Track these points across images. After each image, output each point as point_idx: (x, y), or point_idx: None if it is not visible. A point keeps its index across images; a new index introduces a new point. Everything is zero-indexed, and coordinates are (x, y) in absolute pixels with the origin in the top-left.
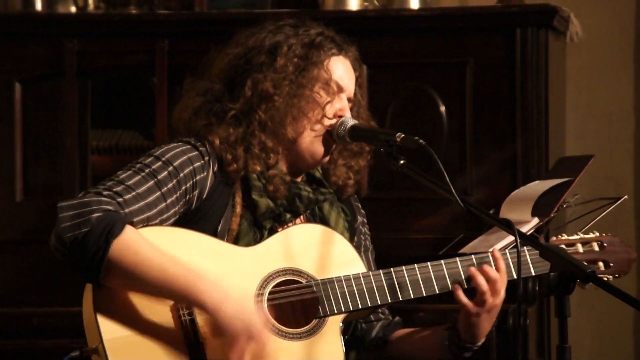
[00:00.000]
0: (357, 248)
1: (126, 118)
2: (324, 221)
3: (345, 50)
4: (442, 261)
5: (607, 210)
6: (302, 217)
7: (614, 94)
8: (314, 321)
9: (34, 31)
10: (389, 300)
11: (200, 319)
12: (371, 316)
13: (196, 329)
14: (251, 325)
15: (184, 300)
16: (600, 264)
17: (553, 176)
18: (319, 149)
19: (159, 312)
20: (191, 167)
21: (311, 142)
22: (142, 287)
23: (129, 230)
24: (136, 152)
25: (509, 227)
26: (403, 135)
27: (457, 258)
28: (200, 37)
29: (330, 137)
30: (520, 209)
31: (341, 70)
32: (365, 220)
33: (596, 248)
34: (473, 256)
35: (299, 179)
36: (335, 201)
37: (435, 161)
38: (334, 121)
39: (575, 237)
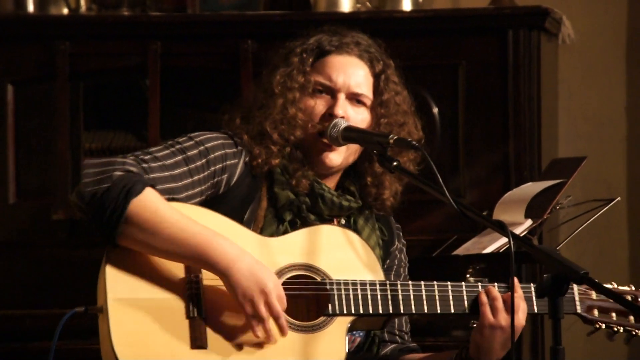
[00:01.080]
0: (388, 269)
1: (118, 120)
2: (356, 233)
3: (342, 47)
4: (464, 283)
5: (600, 212)
6: (334, 225)
7: (606, 96)
8: (322, 318)
9: (26, 33)
10: (401, 311)
11: (205, 293)
12: (386, 335)
13: (200, 303)
14: (267, 281)
15: (197, 259)
16: (631, 317)
17: (546, 178)
18: (314, 152)
19: (168, 281)
20: (223, 152)
21: (309, 145)
22: (157, 245)
23: (149, 190)
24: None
25: (502, 228)
26: (396, 137)
27: (479, 283)
28: (192, 39)
29: (322, 139)
30: (514, 211)
31: (331, 69)
32: (404, 249)
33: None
34: (497, 285)
35: (331, 184)
36: (371, 218)
37: (429, 163)
38: (327, 123)
39: (608, 286)
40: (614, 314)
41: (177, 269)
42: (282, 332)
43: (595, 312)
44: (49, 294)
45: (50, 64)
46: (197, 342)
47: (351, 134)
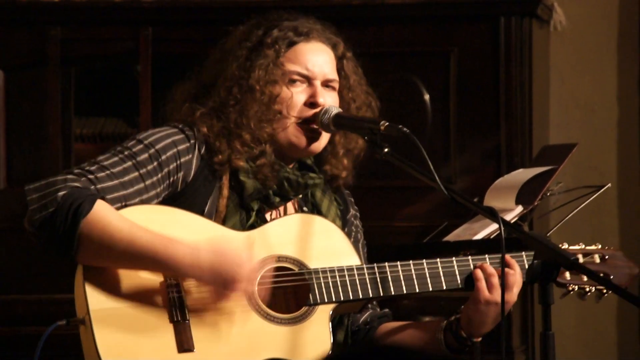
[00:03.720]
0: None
1: (110, 106)
2: (315, 207)
3: (309, 34)
4: (438, 260)
5: (591, 199)
6: (294, 202)
7: (598, 83)
8: (303, 308)
9: (17, 18)
10: (381, 294)
11: (187, 295)
12: None
13: (183, 306)
14: (234, 264)
15: (157, 266)
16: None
17: (537, 164)
18: (299, 140)
19: (148, 287)
20: (175, 150)
21: (289, 135)
22: (114, 260)
23: (98, 205)
24: (119, 140)
25: (492, 215)
26: (387, 123)
27: (454, 258)
28: (184, 25)
29: (310, 126)
30: (504, 197)
31: (305, 58)
32: (358, 215)
33: (597, 260)
34: (470, 257)
35: (290, 166)
36: (327, 190)
37: (420, 149)
38: (311, 111)
39: (577, 247)
40: (584, 276)
41: (155, 274)
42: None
43: (567, 274)
44: (40, 280)
45: (42, 49)
46: (184, 345)
47: (342, 121)
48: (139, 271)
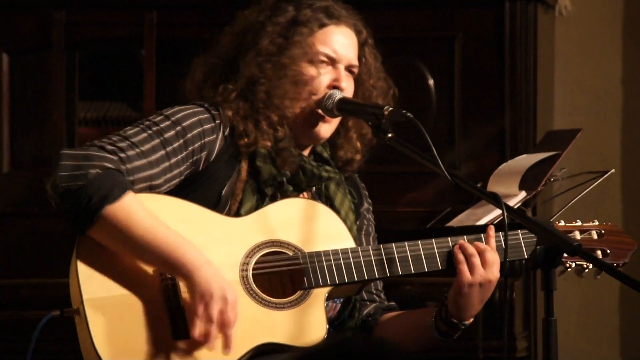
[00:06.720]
0: (358, 230)
1: (114, 90)
2: (329, 200)
3: (340, 18)
4: (434, 240)
5: (594, 184)
6: (306, 194)
7: (602, 68)
8: (298, 292)
9: (21, 2)
10: (376, 276)
11: (182, 284)
12: (364, 295)
13: (177, 294)
14: (226, 290)
15: (164, 261)
16: (598, 252)
17: (540, 150)
18: (312, 124)
19: (142, 275)
20: (200, 129)
21: (306, 117)
22: (125, 246)
23: (127, 197)
24: (124, 124)
25: (496, 200)
26: (391, 108)
27: (449, 237)
28: (188, 9)
29: (316, 111)
30: (508, 183)
31: (334, 40)
32: (370, 208)
33: (595, 236)
34: (465, 237)
35: (305, 153)
36: (342, 182)
37: (423, 135)
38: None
39: (574, 224)
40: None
41: (150, 263)
42: (227, 345)
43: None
44: (43, 264)
45: (46, 33)
46: (178, 332)
47: (346, 106)
48: (134, 260)
